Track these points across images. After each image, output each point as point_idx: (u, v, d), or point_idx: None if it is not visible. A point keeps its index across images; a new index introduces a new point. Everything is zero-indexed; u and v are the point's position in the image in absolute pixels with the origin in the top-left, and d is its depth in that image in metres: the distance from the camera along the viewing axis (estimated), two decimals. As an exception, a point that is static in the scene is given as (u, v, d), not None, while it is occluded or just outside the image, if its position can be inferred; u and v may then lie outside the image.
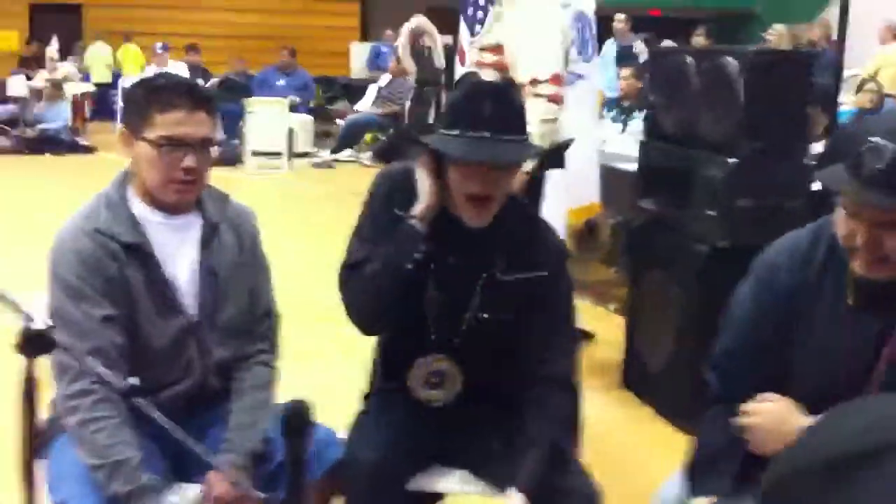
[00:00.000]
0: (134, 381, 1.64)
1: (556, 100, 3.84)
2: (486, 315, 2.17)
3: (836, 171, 1.62)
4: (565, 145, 3.78)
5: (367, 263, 2.13)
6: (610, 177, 5.30)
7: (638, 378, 4.24)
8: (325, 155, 12.09)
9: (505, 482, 2.07)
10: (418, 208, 2.11)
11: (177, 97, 2.05)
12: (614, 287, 5.83)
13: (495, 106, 2.04)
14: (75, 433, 2.00)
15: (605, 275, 6.23)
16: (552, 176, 4.00)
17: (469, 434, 2.23)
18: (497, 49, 3.88)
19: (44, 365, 1.78)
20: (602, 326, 5.15)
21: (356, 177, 10.02)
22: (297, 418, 1.51)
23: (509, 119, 2.07)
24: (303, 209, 9.20)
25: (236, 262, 2.22)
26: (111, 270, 2.05)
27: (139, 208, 2.13)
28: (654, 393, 4.07)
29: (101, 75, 15.17)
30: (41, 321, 1.65)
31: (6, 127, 12.62)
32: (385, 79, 12.67)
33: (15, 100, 12.99)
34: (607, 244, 6.66)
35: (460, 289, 2.16)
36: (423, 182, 2.13)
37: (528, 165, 3.74)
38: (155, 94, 2.06)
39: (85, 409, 1.98)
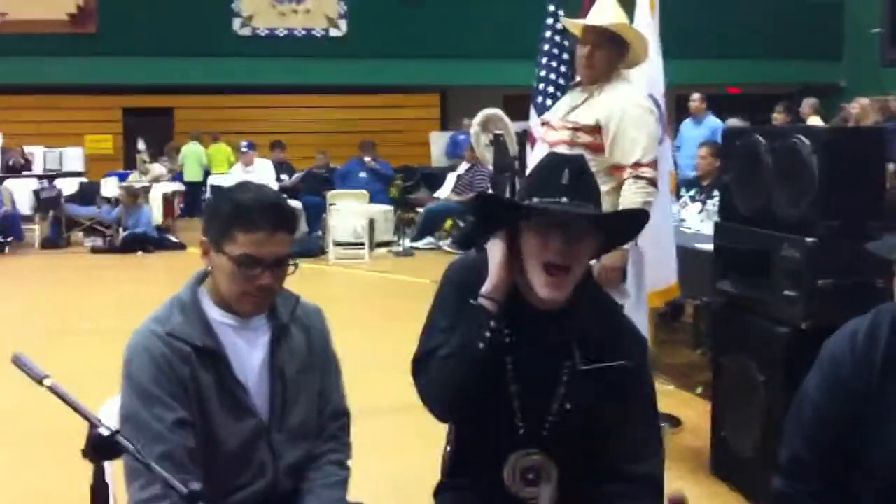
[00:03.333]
0: (196, 485, 1.64)
1: (654, 183, 3.87)
2: (566, 406, 2.12)
3: (888, 241, 1.57)
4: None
5: (439, 349, 2.10)
6: (689, 257, 5.21)
7: (727, 464, 4.09)
8: (406, 243, 12.22)
9: None
10: (488, 285, 2.09)
11: (261, 218, 2.07)
12: (699, 370, 5.69)
13: (572, 174, 2.04)
14: None
15: (689, 358, 6.09)
16: (635, 267, 3.98)
17: None
18: (594, 130, 3.91)
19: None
20: (688, 411, 5.01)
21: (437, 264, 10.05)
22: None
23: (585, 188, 2.06)
24: (383, 298, 9.27)
25: (305, 363, 2.23)
26: (183, 373, 2.07)
27: (212, 311, 2.16)
28: (745, 480, 3.92)
29: (194, 173, 15.69)
30: (106, 427, 1.67)
31: (101, 227, 13.13)
32: (463, 166, 12.81)
33: (107, 200, 13.51)
34: (690, 327, 6.53)
35: (540, 380, 2.12)
36: (495, 256, 2.10)
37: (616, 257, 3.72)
38: (239, 213, 2.08)
39: None
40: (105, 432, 1.67)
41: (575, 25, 4.19)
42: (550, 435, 2.13)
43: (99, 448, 1.67)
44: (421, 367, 2.16)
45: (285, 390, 2.19)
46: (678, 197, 6.93)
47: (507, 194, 9.54)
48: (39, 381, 1.75)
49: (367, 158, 13.24)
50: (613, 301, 2.35)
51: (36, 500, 4.01)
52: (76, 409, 1.76)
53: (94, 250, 12.45)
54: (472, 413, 2.14)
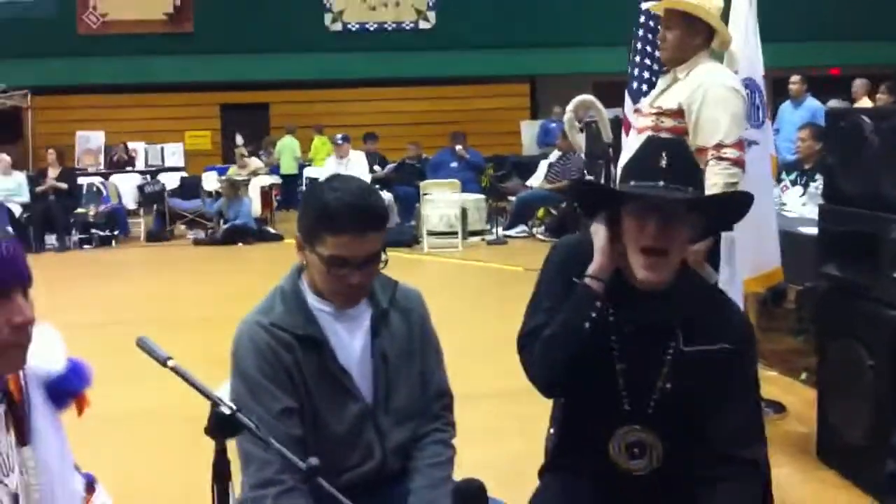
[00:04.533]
0: (315, 461, 1.69)
1: (740, 164, 3.81)
2: (669, 386, 2.13)
3: None
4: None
5: (544, 328, 2.14)
6: (791, 242, 5.11)
7: (834, 451, 4.01)
8: (499, 232, 12.24)
9: None
10: (594, 266, 2.11)
11: (348, 221, 2.07)
12: (801, 356, 5.57)
13: (670, 158, 2.04)
14: None
15: (791, 344, 5.96)
16: (729, 245, 3.92)
17: None
18: (677, 114, 3.88)
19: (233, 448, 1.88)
20: (791, 398, 4.92)
21: (530, 252, 10.07)
22: (471, 497, 1.52)
23: (684, 172, 2.06)
24: (477, 286, 9.31)
25: (406, 346, 2.27)
26: (288, 362, 2.12)
27: (312, 300, 2.20)
28: (853, 466, 3.84)
29: (289, 166, 15.99)
30: (227, 406, 1.74)
31: (203, 220, 13.52)
32: (555, 155, 12.76)
33: (209, 194, 13.88)
34: (792, 312, 6.39)
35: (645, 358, 2.14)
36: (599, 239, 2.13)
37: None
38: (326, 216, 2.09)
39: (271, 499, 2.05)
40: (226, 411, 1.74)
41: (656, 7, 4.14)
42: (655, 413, 2.15)
43: (220, 426, 1.74)
44: (526, 344, 2.20)
45: (388, 373, 2.23)
46: (778, 181, 6.78)
47: (602, 181, 9.49)
48: (163, 363, 1.83)
49: (458, 147, 13.29)
50: (715, 284, 2.34)
51: (158, 478, 4.16)
52: (198, 388, 1.84)
53: (197, 242, 12.81)
54: (578, 390, 2.17)
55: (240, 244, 12.36)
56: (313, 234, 2.12)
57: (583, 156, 10.18)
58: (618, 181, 2.17)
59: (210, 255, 11.85)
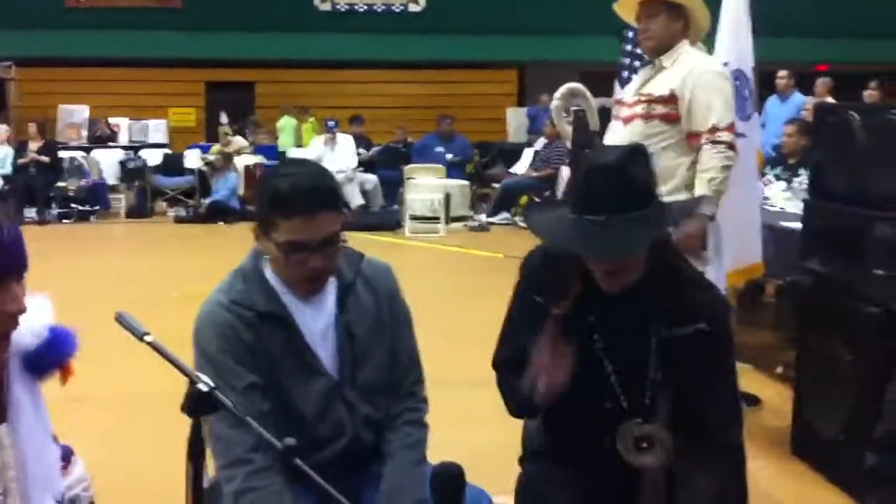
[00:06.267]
0: (291, 441, 1.68)
1: (733, 147, 3.81)
2: (660, 375, 2.14)
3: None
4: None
5: (510, 363, 2.18)
6: (773, 236, 5.12)
7: (810, 445, 4.03)
8: (482, 218, 12.23)
9: None
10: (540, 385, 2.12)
11: (298, 203, 2.04)
12: (778, 351, 5.59)
13: (610, 184, 2.02)
14: (233, 502, 2.04)
15: (768, 339, 5.99)
16: (715, 235, 3.92)
17: (657, 492, 2.16)
18: (669, 100, 3.88)
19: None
20: (767, 391, 4.94)
21: (512, 240, 10.07)
22: (449, 481, 1.50)
23: (627, 196, 2.03)
24: (458, 272, 9.30)
25: (374, 320, 2.23)
26: (249, 339, 2.09)
27: (274, 280, 2.17)
28: (829, 461, 3.85)
29: (287, 144, 15.83)
30: (205, 383, 1.72)
31: (184, 198, 13.42)
32: (541, 142, 12.75)
33: (191, 172, 13.79)
34: (771, 307, 6.41)
35: (632, 354, 2.15)
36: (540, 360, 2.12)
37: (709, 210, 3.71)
38: (276, 201, 2.06)
39: (240, 479, 2.03)
40: (203, 388, 1.71)
41: (625, 9, 4.09)
42: (653, 404, 2.15)
43: (197, 403, 1.72)
44: (498, 371, 2.26)
45: (355, 347, 2.19)
46: (762, 175, 6.79)
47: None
48: (140, 338, 1.80)
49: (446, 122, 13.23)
50: (691, 269, 2.34)
51: (134, 457, 4.14)
52: (175, 364, 1.81)
53: (178, 220, 12.73)
54: (569, 394, 2.15)
55: (221, 223, 12.28)
56: (267, 221, 2.08)
57: (568, 144, 10.15)
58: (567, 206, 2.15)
59: (191, 232, 11.77)
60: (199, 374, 1.75)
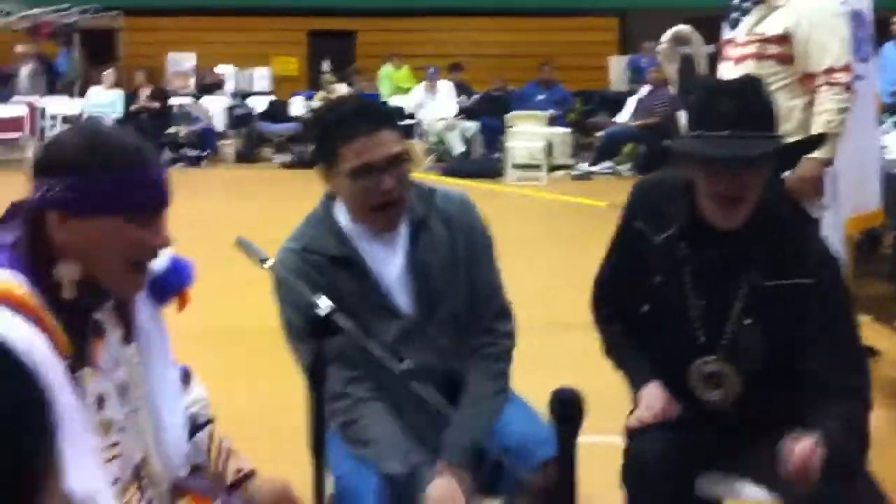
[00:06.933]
0: (409, 363, 1.70)
1: (850, 89, 3.68)
2: (749, 321, 2.09)
3: None
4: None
5: (609, 285, 2.22)
6: (890, 186, 4.92)
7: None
8: (584, 167, 12.10)
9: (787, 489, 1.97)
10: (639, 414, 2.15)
11: (353, 125, 2.05)
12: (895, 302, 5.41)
13: (735, 103, 1.98)
14: (340, 434, 2.09)
15: (885, 290, 5.79)
16: (832, 181, 3.80)
17: (746, 439, 2.15)
18: (782, 40, 3.76)
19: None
20: (886, 343, 4.79)
21: (614, 188, 9.94)
22: (566, 405, 1.50)
23: (752, 115, 2.00)
24: (559, 220, 9.25)
25: (449, 254, 2.19)
26: (322, 284, 2.07)
27: (346, 222, 2.17)
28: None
29: (388, 93, 15.92)
30: (325, 306, 1.74)
31: (289, 144, 13.65)
32: (645, 90, 12.51)
33: (296, 119, 13.99)
34: (889, 257, 6.19)
35: (721, 294, 2.12)
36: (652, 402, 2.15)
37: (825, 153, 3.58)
38: (333, 128, 2.07)
39: (343, 413, 2.08)
40: (323, 312, 1.74)
41: None
42: (731, 345, 2.13)
43: (318, 327, 1.75)
44: (595, 294, 2.29)
45: (430, 284, 2.17)
46: (880, 122, 6.52)
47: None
48: (261, 263, 1.85)
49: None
50: (804, 217, 2.28)
51: (251, 387, 4.27)
52: (294, 289, 1.86)
53: (283, 165, 12.96)
54: (650, 324, 2.19)
55: (324, 169, 12.44)
56: (330, 155, 2.09)
57: (675, 90, 9.92)
58: (686, 128, 2.12)
59: (295, 177, 11.97)
60: (317, 297, 1.77)
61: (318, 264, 2.14)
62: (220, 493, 1.84)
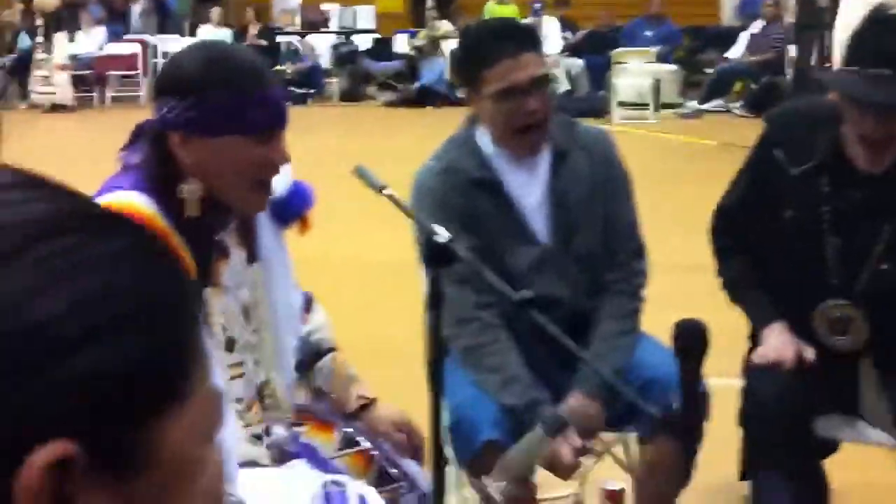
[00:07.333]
0: (528, 293, 1.69)
1: None
2: (886, 266, 2.01)
3: None
4: None
5: (735, 213, 2.14)
6: None
7: None
8: (693, 105, 11.79)
9: None
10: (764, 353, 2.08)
11: (497, 47, 2.04)
12: None
13: None
14: (462, 357, 2.10)
15: None
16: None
17: (869, 384, 2.09)
18: None
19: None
20: None
21: (725, 127, 9.69)
22: (691, 336, 1.47)
23: None
24: (667, 159, 9.05)
25: (588, 186, 2.18)
26: (460, 205, 2.11)
27: (487, 145, 2.17)
28: None
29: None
30: (442, 235, 1.74)
31: (393, 82, 13.67)
32: (758, 25, 12.10)
33: (400, 57, 13.98)
34: None
35: (860, 236, 2.04)
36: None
37: None
38: (475, 53, 2.07)
39: (469, 336, 2.08)
40: (441, 240, 1.74)
41: None
42: (864, 290, 2.06)
43: (435, 255, 1.75)
44: (716, 222, 2.21)
45: (569, 215, 2.17)
46: None
47: (814, 54, 8.87)
48: (379, 190, 1.86)
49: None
50: None
51: (371, 316, 4.30)
52: (412, 217, 1.86)
53: (388, 104, 13.01)
54: (780, 260, 2.11)
55: (429, 107, 12.45)
56: (474, 77, 2.09)
57: (791, 22, 9.55)
58: (837, 59, 2.02)
59: (400, 115, 12.02)
60: (435, 226, 1.78)
61: (459, 185, 2.14)
62: (340, 419, 1.87)
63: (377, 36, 15.18)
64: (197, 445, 0.46)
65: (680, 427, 1.64)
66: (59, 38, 13.00)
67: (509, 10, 15.59)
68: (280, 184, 1.85)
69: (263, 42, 13.18)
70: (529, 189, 2.18)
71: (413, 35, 14.06)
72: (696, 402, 1.51)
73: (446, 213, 2.10)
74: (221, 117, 1.57)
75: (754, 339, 2.28)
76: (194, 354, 0.46)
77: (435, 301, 1.77)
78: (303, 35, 14.77)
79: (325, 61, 14.26)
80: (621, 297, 2.20)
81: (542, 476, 2.14)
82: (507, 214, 2.15)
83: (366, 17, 16.20)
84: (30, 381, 0.41)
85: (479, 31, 2.15)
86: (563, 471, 1.98)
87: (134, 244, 0.46)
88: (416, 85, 12.95)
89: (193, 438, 0.45)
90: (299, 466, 1.71)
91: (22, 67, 12.79)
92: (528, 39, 2.11)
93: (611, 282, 2.21)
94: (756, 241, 2.16)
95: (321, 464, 1.75)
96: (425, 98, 12.61)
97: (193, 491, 0.45)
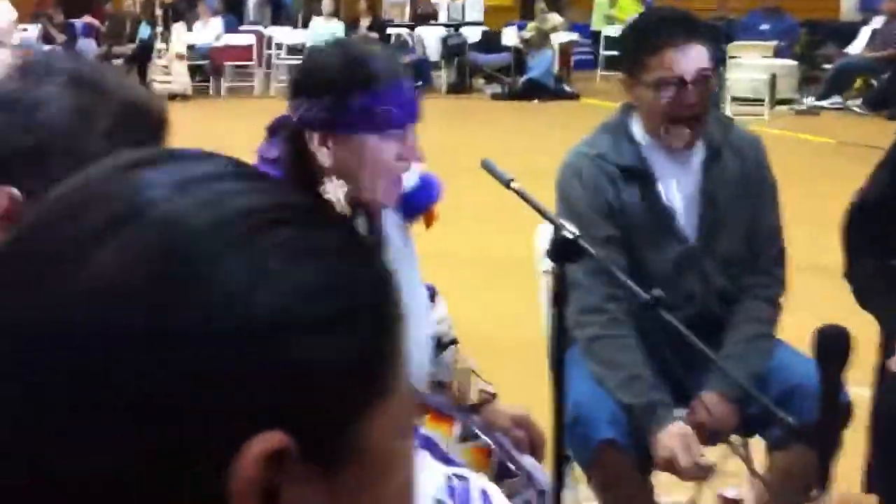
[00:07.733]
0: (658, 292, 1.66)
1: None
2: None
3: None
4: None
5: (877, 208, 2.04)
6: None
7: None
8: (810, 101, 11.42)
9: None
10: None
11: (665, 35, 2.01)
12: None
13: None
14: (586, 347, 2.07)
15: None
16: None
17: None
18: None
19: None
20: None
21: (843, 125, 9.36)
22: (833, 341, 1.42)
23: None
24: (784, 158, 8.73)
25: (738, 188, 2.15)
26: (609, 193, 2.09)
27: (641, 136, 2.14)
28: None
29: (599, 23, 15.54)
30: (570, 230, 1.73)
31: (500, 75, 13.64)
32: (880, 20, 11.65)
33: (508, 49, 13.94)
34: None
35: None
36: None
37: None
38: (643, 36, 2.05)
39: (597, 326, 2.06)
40: (569, 235, 1.72)
41: None
42: None
43: (562, 249, 1.74)
44: (853, 216, 2.13)
45: (716, 215, 2.13)
46: None
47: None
48: (507, 184, 1.85)
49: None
50: None
51: (494, 309, 4.33)
52: (540, 211, 1.85)
53: (494, 97, 12.99)
54: None
55: (535, 100, 12.37)
56: (636, 63, 2.06)
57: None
58: None
59: (506, 108, 11.97)
60: (563, 221, 1.76)
61: (609, 172, 2.13)
62: (460, 412, 1.87)
63: (485, 28, 15.16)
64: (397, 441, 0.45)
65: (817, 436, 1.59)
66: (178, 28, 13.38)
67: (624, 3, 15.39)
68: (409, 176, 1.86)
69: (374, 34, 13.31)
70: (680, 183, 2.15)
71: (521, 27, 13.98)
72: (836, 411, 1.45)
73: (595, 199, 2.09)
74: (360, 117, 1.60)
75: (886, 347, 2.19)
76: (397, 350, 0.46)
77: (559, 298, 1.76)
78: (412, 27, 14.86)
79: (434, 54, 14.31)
80: (760, 302, 2.17)
81: (659, 479, 2.10)
82: (654, 206, 2.13)
83: (475, 9, 16.21)
84: (252, 372, 0.41)
85: (650, 15, 2.16)
86: (685, 473, 1.94)
87: (345, 238, 0.46)
88: (523, 78, 12.88)
89: (394, 434, 0.45)
90: (423, 458, 1.71)
91: (143, 57, 13.19)
92: (698, 31, 2.08)
93: (750, 286, 2.18)
94: (893, 241, 2.07)
95: (441, 456, 1.75)
96: (532, 91, 12.53)
97: (392, 485, 0.45)
